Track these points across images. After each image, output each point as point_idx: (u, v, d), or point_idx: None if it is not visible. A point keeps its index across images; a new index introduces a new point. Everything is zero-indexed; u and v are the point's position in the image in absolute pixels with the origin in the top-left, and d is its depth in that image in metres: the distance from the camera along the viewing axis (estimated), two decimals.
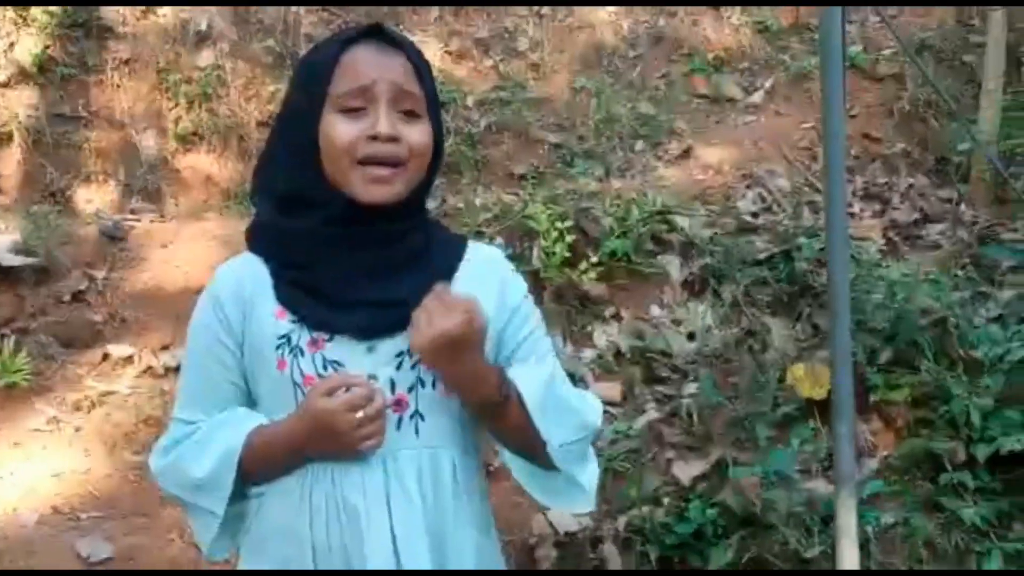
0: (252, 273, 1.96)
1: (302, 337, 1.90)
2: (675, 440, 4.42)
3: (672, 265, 5.31)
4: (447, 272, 1.95)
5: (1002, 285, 5.07)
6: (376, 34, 1.93)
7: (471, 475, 1.99)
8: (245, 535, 1.99)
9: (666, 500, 4.10)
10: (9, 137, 6.66)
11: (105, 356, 4.92)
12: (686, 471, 4.23)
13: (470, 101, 7.26)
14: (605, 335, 5.04)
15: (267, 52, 7.26)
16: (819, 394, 4.39)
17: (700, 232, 5.42)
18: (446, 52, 7.56)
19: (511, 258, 2.13)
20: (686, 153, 6.77)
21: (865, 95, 7.16)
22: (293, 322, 1.91)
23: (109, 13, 7.15)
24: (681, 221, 5.47)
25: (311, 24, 7.59)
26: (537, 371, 1.95)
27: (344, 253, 1.90)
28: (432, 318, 1.81)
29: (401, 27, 7.65)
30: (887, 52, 7.42)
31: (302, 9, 7.60)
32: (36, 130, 6.71)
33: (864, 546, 3.61)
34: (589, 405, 2.02)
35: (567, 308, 5.12)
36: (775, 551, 3.86)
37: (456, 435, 1.95)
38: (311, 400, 1.86)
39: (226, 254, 5.22)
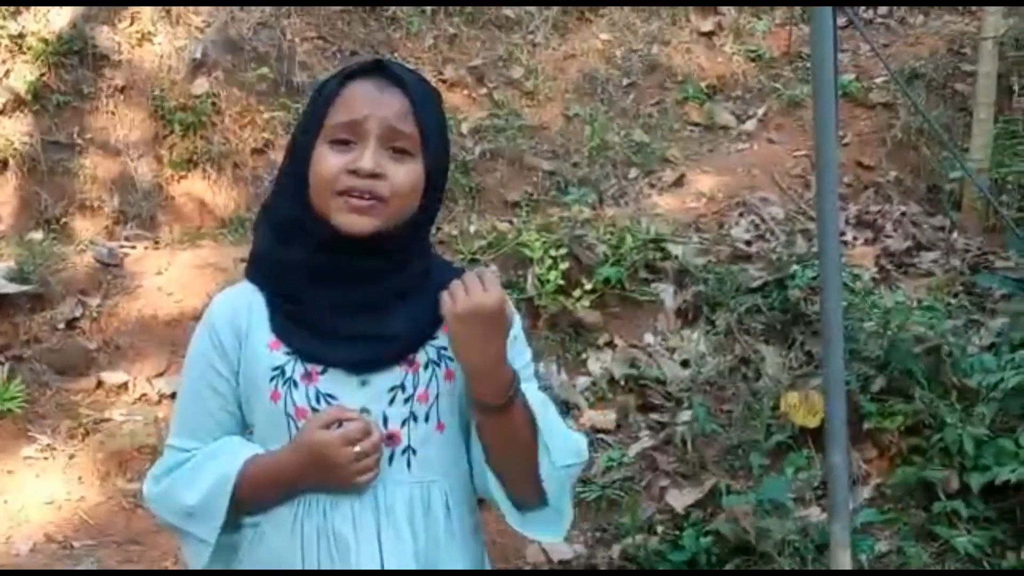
0: (248, 303, 1.96)
1: (296, 369, 1.90)
2: (669, 468, 4.42)
3: (666, 293, 5.32)
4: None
5: (995, 313, 5.08)
6: (380, 70, 1.93)
7: (464, 510, 1.99)
8: (238, 564, 1.99)
9: (660, 528, 4.10)
10: (4, 164, 6.67)
11: (99, 383, 4.92)
12: (680, 499, 4.24)
13: (464, 128, 7.27)
14: (599, 362, 5.05)
15: (261, 80, 7.27)
16: (813, 422, 4.39)
17: (694, 260, 5.43)
18: (440, 80, 7.58)
19: (505, 286, 2.13)
20: (679, 181, 6.78)
21: (857, 123, 7.18)
22: (287, 354, 1.91)
23: (104, 41, 7.16)
24: (675, 249, 5.48)
25: (305, 52, 7.61)
26: (537, 394, 1.96)
27: (335, 287, 1.91)
28: (471, 291, 1.83)
29: (395, 54, 7.68)
30: (879, 80, 7.45)
31: (297, 37, 7.63)
32: (31, 157, 6.72)
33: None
34: (579, 438, 2.03)
35: (561, 335, 5.13)
36: None
37: (449, 469, 1.96)
38: (307, 432, 1.87)
39: (220, 281, 5.28)
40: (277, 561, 1.91)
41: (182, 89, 7.15)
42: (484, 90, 7.72)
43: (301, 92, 7.26)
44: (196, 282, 5.42)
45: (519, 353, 2.00)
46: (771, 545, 3.89)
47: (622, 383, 4.93)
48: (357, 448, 1.84)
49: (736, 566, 3.88)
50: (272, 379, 1.91)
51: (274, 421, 1.92)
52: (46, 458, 4.51)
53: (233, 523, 1.94)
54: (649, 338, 5.18)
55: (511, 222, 6.02)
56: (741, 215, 6.17)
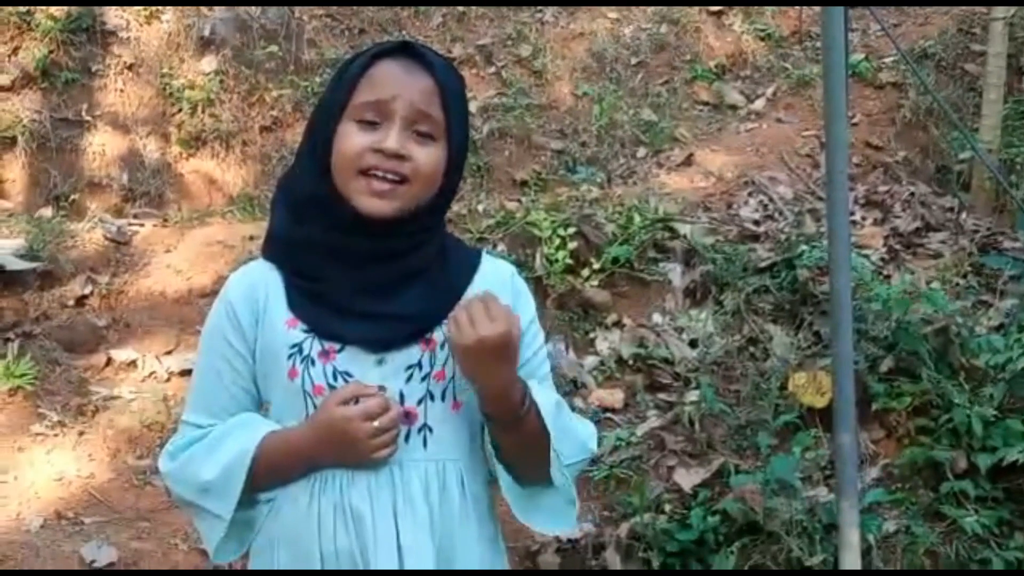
0: (265, 280, 1.97)
1: (313, 347, 1.91)
2: (677, 447, 4.43)
3: (674, 272, 5.32)
4: (460, 286, 1.97)
5: (1003, 294, 5.08)
6: (409, 51, 1.93)
7: (479, 487, 2.00)
8: (254, 540, 2.00)
9: (668, 507, 4.11)
10: (13, 141, 6.68)
11: (108, 360, 4.94)
12: (688, 478, 4.24)
13: (473, 107, 7.24)
14: (607, 342, 5.05)
15: (270, 57, 7.27)
16: (820, 402, 4.40)
17: (702, 239, 5.43)
18: (448, 58, 7.57)
19: (514, 265, 2.13)
20: (688, 160, 6.78)
21: (867, 103, 7.17)
22: (305, 331, 1.92)
23: (112, 18, 7.16)
24: (683, 228, 5.48)
25: (314, 30, 7.61)
26: (547, 393, 1.96)
27: (352, 267, 1.91)
28: (476, 322, 1.82)
29: (404, 32, 7.67)
30: (888, 60, 7.43)
31: (305, 15, 7.62)
32: (40, 135, 6.73)
33: (866, 554, 3.61)
34: (589, 431, 2.04)
35: (569, 315, 5.13)
36: (777, 559, 3.87)
37: (464, 448, 1.97)
38: (326, 408, 1.87)
39: (229, 259, 5.29)
40: (294, 537, 1.92)
41: (190, 67, 7.15)
42: (492, 69, 7.71)
43: (309, 70, 7.27)
44: (205, 260, 5.43)
45: (533, 337, 2.02)
46: (778, 524, 3.90)
47: (630, 362, 4.94)
48: (376, 423, 1.85)
49: (744, 545, 3.89)
50: (290, 356, 1.92)
51: (291, 398, 1.93)
52: (56, 435, 4.52)
53: (249, 500, 1.95)
54: (657, 318, 5.19)
55: (519, 201, 6.02)
56: (750, 195, 6.16)
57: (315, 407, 1.90)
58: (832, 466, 3.88)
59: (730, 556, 3.86)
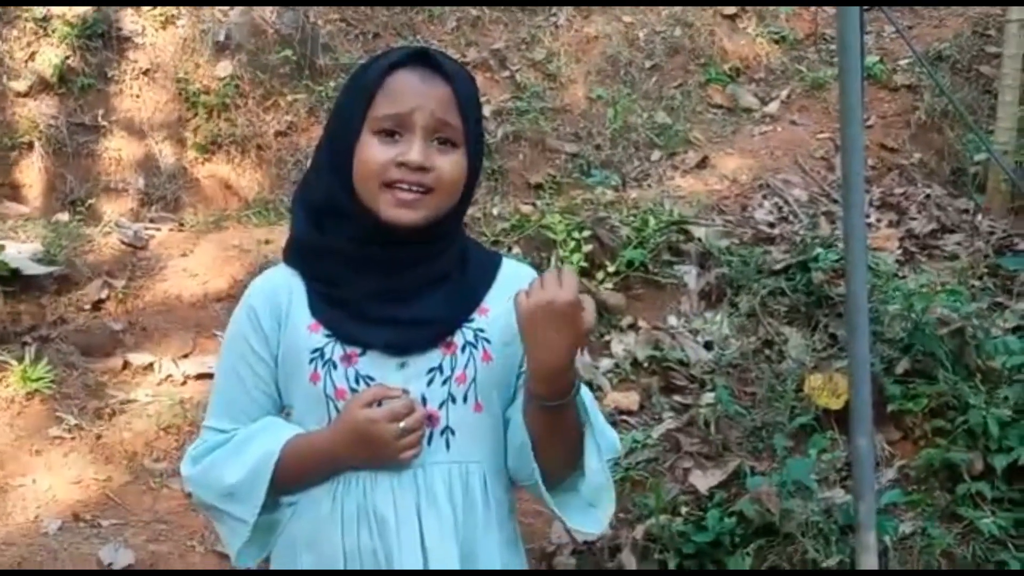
0: (287, 285, 1.99)
1: (335, 351, 1.92)
2: (692, 449, 4.43)
3: (689, 275, 5.32)
4: (481, 290, 1.98)
5: (1019, 296, 5.07)
6: (425, 59, 1.94)
7: (500, 490, 2.01)
8: (276, 543, 2.01)
9: (684, 509, 4.10)
10: (30, 146, 6.71)
11: (125, 364, 4.95)
12: (703, 480, 4.24)
13: (487, 111, 7.25)
14: (622, 344, 5.05)
15: (285, 62, 7.29)
16: (836, 404, 4.39)
17: (717, 242, 5.43)
18: (463, 62, 7.57)
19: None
20: (703, 163, 6.78)
21: (881, 105, 7.16)
22: (327, 336, 1.93)
23: (128, 23, 7.19)
24: (698, 231, 5.48)
25: (328, 35, 7.63)
26: (585, 390, 1.96)
27: (374, 274, 1.92)
28: (546, 286, 1.81)
29: (418, 36, 7.69)
30: (904, 62, 7.43)
31: (320, 19, 7.64)
32: (56, 140, 6.76)
33: (882, 556, 3.61)
34: (615, 433, 2.04)
35: None
36: (793, 560, 3.86)
37: (486, 451, 1.98)
38: (350, 411, 1.88)
39: (245, 263, 5.31)
40: (316, 540, 1.93)
41: (206, 71, 7.18)
42: (507, 72, 7.72)
43: (324, 75, 7.28)
44: (221, 264, 5.45)
45: None
46: (795, 526, 3.89)
47: (645, 365, 4.94)
48: (402, 424, 1.86)
49: (760, 546, 3.88)
50: (312, 361, 1.93)
51: (314, 402, 1.94)
52: (73, 438, 4.53)
53: (271, 503, 1.96)
54: (672, 320, 5.19)
55: (534, 204, 6.02)
56: (764, 197, 6.17)
57: (337, 411, 1.92)
58: (848, 468, 3.87)
59: (746, 558, 3.85)
